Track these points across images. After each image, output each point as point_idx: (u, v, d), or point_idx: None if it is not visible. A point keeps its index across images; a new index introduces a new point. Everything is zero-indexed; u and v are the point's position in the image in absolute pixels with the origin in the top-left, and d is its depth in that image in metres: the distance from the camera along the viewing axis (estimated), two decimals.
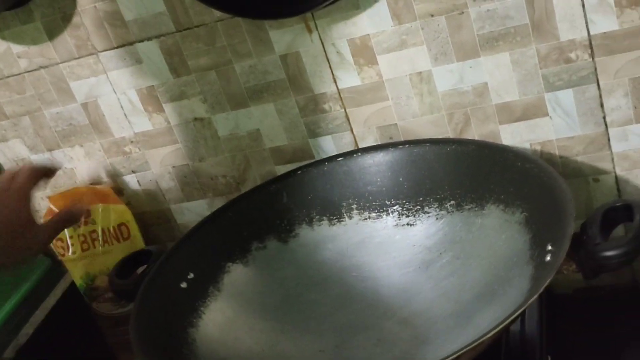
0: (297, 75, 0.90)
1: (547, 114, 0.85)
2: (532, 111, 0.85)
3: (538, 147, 0.87)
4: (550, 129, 0.86)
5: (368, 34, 0.85)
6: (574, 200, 0.67)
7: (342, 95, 0.90)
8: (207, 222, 0.87)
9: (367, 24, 0.85)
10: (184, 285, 0.80)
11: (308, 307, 0.83)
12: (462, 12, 0.81)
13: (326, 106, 0.91)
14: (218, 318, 0.79)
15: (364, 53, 0.86)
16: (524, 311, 0.61)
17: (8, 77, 0.99)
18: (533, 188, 0.74)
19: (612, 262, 0.61)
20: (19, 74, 0.98)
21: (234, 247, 0.86)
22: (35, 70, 0.97)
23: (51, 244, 1.00)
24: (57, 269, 1.09)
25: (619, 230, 0.79)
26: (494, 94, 0.85)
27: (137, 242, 1.01)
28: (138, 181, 1.02)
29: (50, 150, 1.03)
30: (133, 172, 1.02)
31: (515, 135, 0.87)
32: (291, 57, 0.89)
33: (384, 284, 0.83)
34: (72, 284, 1.06)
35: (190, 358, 0.72)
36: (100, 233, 1.00)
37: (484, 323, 0.68)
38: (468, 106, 0.86)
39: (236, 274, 0.84)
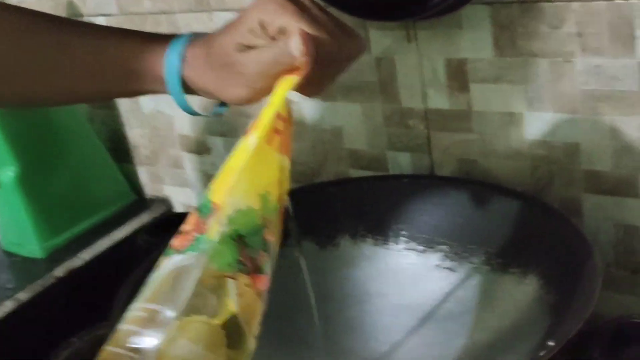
0: (388, 82, 0.85)
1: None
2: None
3: None
4: None
5: (466, 58, 0.78)
6: None
7: (427, 116, 0.84)
8: None
9: (467, 46, 0.78)
10: None
11: (309, 323, 0.78)
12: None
13: (410, 122, 0.85)
14: None
15: (458, 77, 0.80)
16: None
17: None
18: (572, 272, 0.65)
19: None
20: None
21: None
22: (157, 14, 0.99)
23: None
24: (138, 205, 1.12)
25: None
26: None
27: None
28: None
29: None
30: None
31: None
32: (385, 61, 0.84)
33: (399, 322, 0.76)
34: (150, 224, 1.08)
35: None
36: None
37: None
38: None
39: None
